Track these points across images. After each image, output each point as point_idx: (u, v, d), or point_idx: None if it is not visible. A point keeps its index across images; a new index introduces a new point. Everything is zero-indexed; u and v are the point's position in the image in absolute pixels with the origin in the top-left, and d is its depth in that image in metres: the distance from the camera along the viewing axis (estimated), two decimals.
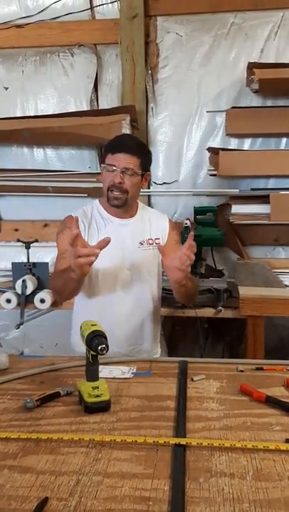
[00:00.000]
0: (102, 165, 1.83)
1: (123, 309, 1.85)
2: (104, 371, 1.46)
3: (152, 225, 1.94)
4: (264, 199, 2.69)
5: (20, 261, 2.73)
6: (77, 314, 1.92)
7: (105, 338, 1.24)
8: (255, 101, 2.91)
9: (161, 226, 1.95)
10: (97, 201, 1.94)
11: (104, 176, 1.82)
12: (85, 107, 3.05)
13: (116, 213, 1.88)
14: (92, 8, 3.00)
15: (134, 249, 1.86)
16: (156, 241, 1.90)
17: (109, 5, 2.97)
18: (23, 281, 2.54)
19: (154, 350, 1.98)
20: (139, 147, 1.85)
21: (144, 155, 1.84)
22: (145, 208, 2.02)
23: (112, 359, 1.60)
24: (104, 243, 1.54)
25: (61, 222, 1.90)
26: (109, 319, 1.79)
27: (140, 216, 1.93)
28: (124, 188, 1.78)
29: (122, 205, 1.82)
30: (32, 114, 3.09)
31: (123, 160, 1.76)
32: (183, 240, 2.61)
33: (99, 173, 2.97)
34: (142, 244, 1.88)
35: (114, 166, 1.77)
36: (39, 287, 2.62)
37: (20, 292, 2.54)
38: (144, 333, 1.91)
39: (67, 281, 1.68)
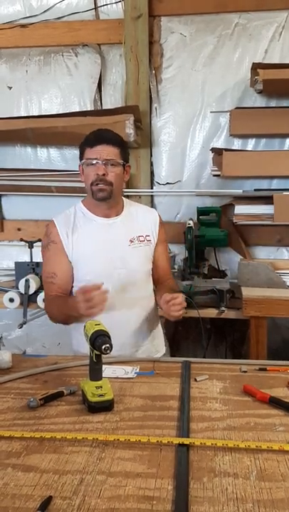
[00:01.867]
0: (81, 161, 1.78)
1: (120, 310, 1.79)
2: (107, 371, 1.46)
3: (141, 221, 1.88)
4: (267, 200, 2.69)
5: (24, 260, 2.73)
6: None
7: (109, 337, 1.24)
8: (259, 101, 2.91)
9: (150, 222, 1.90)
10: (80, 203, 1.89)
11: (86, 173, 1.77)
12: (88, 106, 3.05)
13: (101, 212, 1.82)
14: (96, 8, 3.01)
15: (124, 247, 1.80)
16: (147, 238, 1.86)
17: (114, 5, 2.98)
18: (26, 280, 2.55)
19: (157, 348, 1.95)
20: (117, 138, 1.81)
21: (123, 146, 1.81)
22: (132, 204, 1.96)
23: (115, 359, 1.60)
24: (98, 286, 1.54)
25: (45, 233, 1.84)
26: (106, 321, 1.77)
27: (127, 213, 1.88)
28: (109, 180, 1.74)
29: (108, 196, 1.76)
30: (36, 113, 3.10)
31: (104, 151, 1.73)
32: (186, 240, 2.62)
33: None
34: (132, 241, 1.82)
35: (96, 158, 1.73)
36: (42, 287, 2.62)
37: (23, 291, 2.55)
38: (144, 332, 1.88)
39: (66, 317, 1.74)
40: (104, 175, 1.72)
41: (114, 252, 1.79)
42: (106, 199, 1.77)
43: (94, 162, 1.73)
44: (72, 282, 1.81)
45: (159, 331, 2.00)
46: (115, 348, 1.76)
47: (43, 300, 2.49)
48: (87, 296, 1.52)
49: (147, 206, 2.01)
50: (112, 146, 1.75)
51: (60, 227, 1.79)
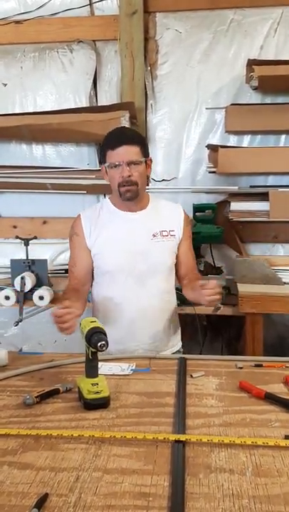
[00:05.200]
0: (105, 164, 1.80)
1: (140, 302, 1.84)
2: (103, 368, 1.46)
3: (166, 216, 1.91)
4: (263, 196, 2.69)
5: (19, 258, 2.72)
6: (97, 311, 1.92)
7: (105, 334, 1.24)
8: (255, 98, 2.90)
9: (175, 218, 1.92)
10: (107, 198, 1.96)
11: (111, 175, 1.80)
12: (84, 103, 3.04)
13: (126, 207, 1.87)
14: (91, 4, 2.99)
15: (146, 241, 1.84)
16: (171, 232, 1.88)
17: (109, 1, 2.96)
18: (22, 278, 2.54)
19: (172, 342, 1.96)
20: (136, 136, 1.87)
21: (142, 142, 1.85)
22: (157, 199, 1.98)
23: (111, 356, 1.60)
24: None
25: (72, 224, 1.92)
26: (127, 313, 1.84)
27: (152, 207, 1.91)
28: (134, 180, 1.78)
29: (135, 196, 1.81)
30: (31, 110, 3.08)
31: (126, 153, 1.76)
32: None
33: (98, 170, 2.98)
34: (154, 236, 1.85)
35: (119, 161, 1.76)
36: (38, 284, 2.62)
37: (19, 289, 2.54)
38: (163, 326, 1.90)
39: None
40: (129, 176, 1.76)
41: (136, 246, 1.83)
42: (133, 199, 1.82)
43: (117, 164, 1.76)
44: (93, 274, 1.89)
45: (177, 326, 2.02)
46: (136, 338, 1.83)
47: (39, 298, 2.53)
48: (58, 319, 1.50)
49: (173, 202, 2.03)
50: (133, 145, 1.77)
51: (85, 221, 1.87)
